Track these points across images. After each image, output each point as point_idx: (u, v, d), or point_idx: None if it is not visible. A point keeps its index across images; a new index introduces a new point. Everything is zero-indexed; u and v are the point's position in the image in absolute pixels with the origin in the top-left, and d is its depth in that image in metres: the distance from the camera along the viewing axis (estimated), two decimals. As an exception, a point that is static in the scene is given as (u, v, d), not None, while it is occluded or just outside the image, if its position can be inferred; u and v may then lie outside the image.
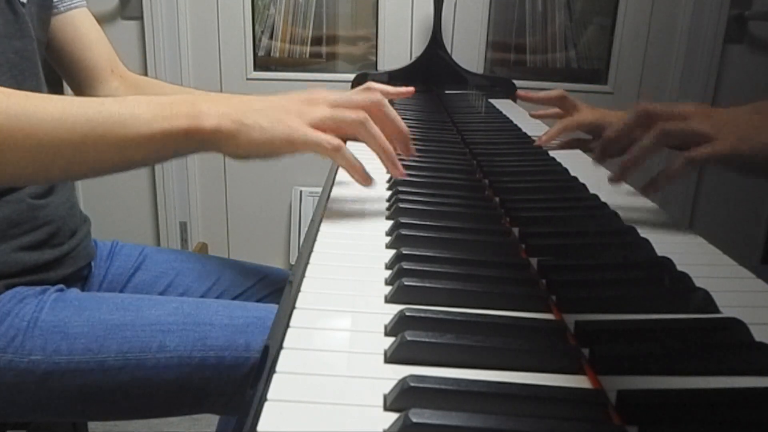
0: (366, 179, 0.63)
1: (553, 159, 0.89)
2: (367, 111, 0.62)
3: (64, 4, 0.88)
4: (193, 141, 0.58)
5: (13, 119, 0.53)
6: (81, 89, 0.94)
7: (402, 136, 0.66)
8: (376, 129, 0.61)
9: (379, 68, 1.96)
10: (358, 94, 0.64)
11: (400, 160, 0.66)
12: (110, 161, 0.58)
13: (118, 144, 0.56)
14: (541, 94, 1.07)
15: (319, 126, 0.59)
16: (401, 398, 0.34)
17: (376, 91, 0.65)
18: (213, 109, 0.58)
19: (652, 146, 0.63)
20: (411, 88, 0.86)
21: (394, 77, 1.60)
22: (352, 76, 1.59)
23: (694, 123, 0.64)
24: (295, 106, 0.60)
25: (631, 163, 0.65)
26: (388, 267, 0.52)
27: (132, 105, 0.57)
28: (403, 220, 0.59)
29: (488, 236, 0.59)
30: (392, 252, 0.53)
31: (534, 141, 1.02)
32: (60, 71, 0.92)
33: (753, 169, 0.63)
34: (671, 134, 0.63)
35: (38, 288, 0.74)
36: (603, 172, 0.87)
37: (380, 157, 0.63)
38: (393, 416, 0.33)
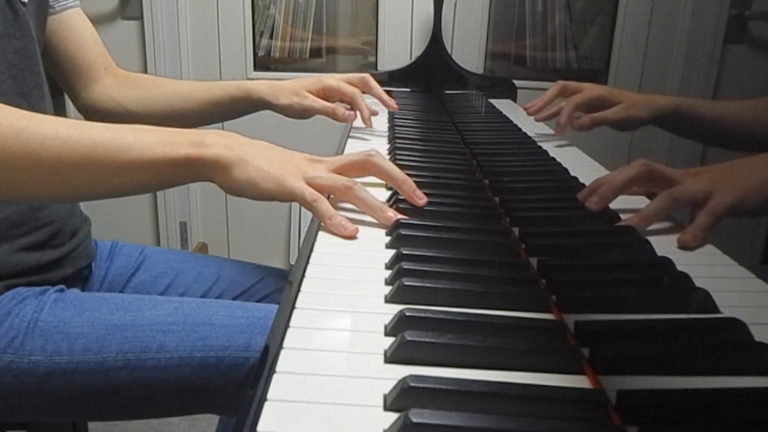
0: (343, 231, 0.60)
1: (553, 159, 0.89)
2: (364, 166, 0.65)
3: (60, 4, 0.88)
4: (193, 169, 0.59)
5: (13, 137, 0.54)
6: (74, 88, 0.94)
7: (405, 186, 0.65)
8: (365, 195, 0.62)
9: (379, 68, 1.96)
10: (354, 155, 0.66)
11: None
12: (111, 184, 0.59)
13: (120, 167, 0.57)
14: (545, 96, 1.08)
15: (315, 185, 0.61)
16: (401, 398, 0.34)
17: (370, 151, 0.66)
18: (217, 140, 0.60)
19: (661, 213, 0.65)
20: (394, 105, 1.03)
21: (394, 77, 1.60)
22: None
23: (697, 184, 0.65)
24: (296, 161, 0.63)
25: (639, 226, 0.65)
26: (388, 267, 0.52)
27: (137, 130, 0.59)
28: (403, 221, 0.59)
29: (488, 236, 0.59)
30: (392, 252, 0.53)
31: (536, 142, 1.02)
32: (52, 71, 0.92)
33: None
34: (679, 201, 0.65)
35: (38, 288, 0.74)
36: (602, 172, 0.87)
37: (376, 219, 0.63)
38: (393, 416, 0.33)
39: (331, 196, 0.64)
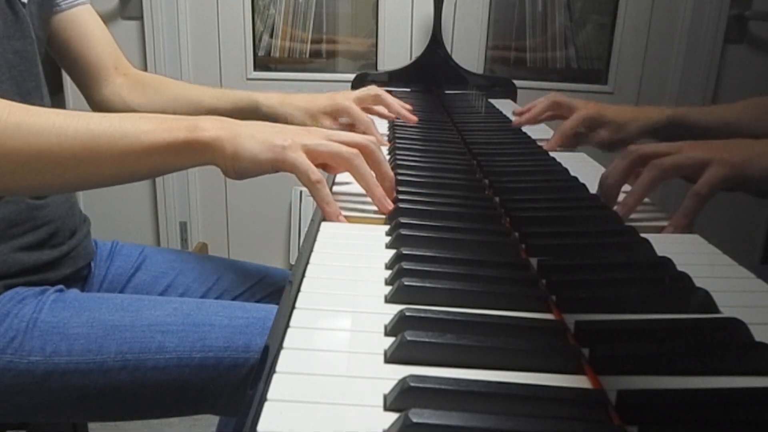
0: (337, 218, 0.62)
1: (553, 159, 0.89)
2: (360, 150, 0.63)
3: (66, 2, 0.88)
4: (191, 152, 0.59)
5: (12, 130, 0.54)
6: (86, 86, 0.94)
7: (388, 182, 0.66)
8: (366, 167, 0.63)
9: (379, 68, 1.96)
10: (355, 134, 0.67)
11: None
12: (109, 172, 0.59)
13: (118, 155, 0.58)
14: (536, 109, 1.07)
15: (312, 152, 0.61)
16: (401, 398, 0.34)
17: (371, 138, 0.67)
18: (212, 124, 0.60)
19: (650, 185, 0.65)
20: (414, 117, 1.01)
21: (394, 77, 1.60)
22: (352, 76, 1.59)
23: (686, 152, 0.65)
24: (292, 130, 0.63)
25: (632, 204, 0.67)
26: (388, 267, 0.52)
27: (134, 118, 0.59)
28: (403, 220, 0.59)
29: (488, 236, 0.59)
30: (392, 252, 0.53)
31: (535, 141, 1.02)
32: (65, 69, 0.93)
33: (759, 188, 0.64)
34: (667, 170, 0.65)
35: (37, 288, 0.74)
36: (602, 172, 0.87)
37: (368, 194, 0.64)
38: (393, 416, 0.33)
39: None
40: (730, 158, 0.63)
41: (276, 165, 0.60)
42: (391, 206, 0.64)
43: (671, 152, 0.66)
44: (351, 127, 0.97)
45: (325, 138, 0.63)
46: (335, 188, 0.73)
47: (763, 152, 0.64)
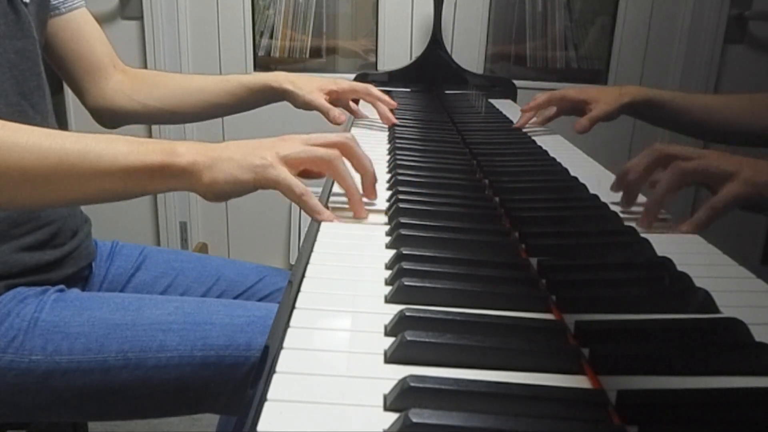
0: (334, 221, 0.63)
1: (554, 159, 0.89)
2: (339, 148, 0.64)
3: (66, 6, 0.88)
4: (167, 176, 0.59)
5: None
6: (83, 87, 0.94)
7: (368, 177, 0.67)
8: (344, 169, 0.63)
9: (379, 68, 1.96)
10: (331, 134, 0.67)
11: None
12: (82, 191, 0.59)
13: (92, 174, 0.58)
14: (531, 104, 1.10)
15: (292, 161, 0.61)
16: (401, 398, 0.34)
17: (348, 134, 0.68)
18: (189, 148, 0.60)
19: (672, 187, 0.64)
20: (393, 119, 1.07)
21: (394, 77, 1.60)
22: (352, 76, 1.58)
23: (712, 160, 0.64)
24: (268, 143, 0.62)
25: (655, 206, 0.66)
26: (388, 267, 0.52)
27: (110, 139, 0.59)
28: (403, 220, 0.59)
29: (488, 236, 0.59)
30: (392, 252, 0.53)
31: (535, 141, 1.02)
32: (59, 71, 0.92)
33: None
34: (689, 174, 0.64)
35: (39, 288, 0.74)
36: (602, 172, 0.87)
37: (347, 196, 0.65)
38: (393, 416, 0.33)
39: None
40: (753, 177, 0.62)
41: (257, 185, 0.60)
42: (363, 213, 0.64)
43: (695, 157, 0.65)
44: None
45: (303, 143, 0.63)
46: (335, 189, 0.73)
47: None
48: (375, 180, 0.67)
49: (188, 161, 0.59)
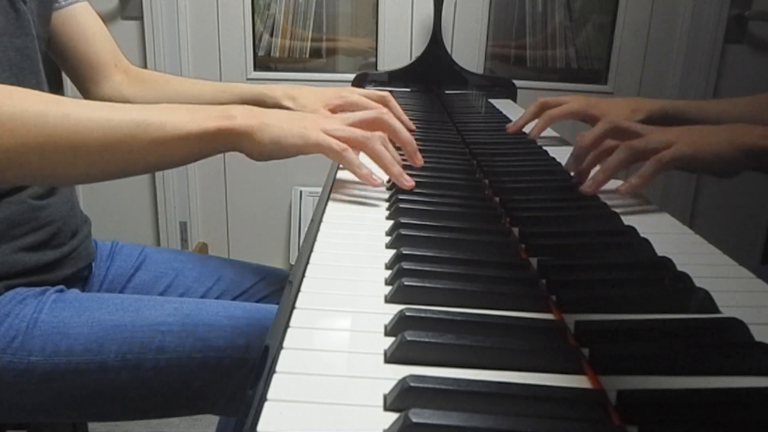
0: (371, 180, 0.68)
1: (554, 159, 0.89)
2: (376, 127, 0.70)
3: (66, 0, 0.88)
4: (224, 139, 0.63)
5: (60, 121, 0.56)
6: (84, 85, 0.94)
7: (409, 146, 0.74)
8: (380, 149, 0.67)
9: (379, 68, 1.96)
10: (365, 112, 0.74)
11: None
12: (150, 159, 0.62)
13: (159, 143, 0.60)
14: (524, 116, 1.05)
15: (332, 135, 0.65)
16: (401, 398, 0.34)
17: (382, 110, 0.75)
18: (242, 112, 0.64)
19: (621, 163, 0.70)
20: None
21: (394, 77, 1.60)
22: (352, 76, 1.58)
23: (656, 135, 0.71)
24: (312, 117, 0.69)
25: (603, 178, 0.71)
26: (388, 267, 0.52)
27: (171, 108, 0.63)
28: (403, 220, 0.59)
29: (488, 236, 0.59)
30: (392, 252, 0.53)
31: (535, 141, 1.02)
32: (63, 67, 0.92)
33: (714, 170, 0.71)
34: (639, 151, 0.69)
35: (38, 289, 0.74)
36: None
37: (387, 173, 0.69)
38: (393, 416, 0.33)
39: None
40: (693, 140, 0.70)
41: (301, 149, 0.64)
42: (409, 182, 0.68)
43: (644, 134, 0.72)
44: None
45: (341, 122, 0.68)
46: (335, 189, 0.73)
47: (718, 137, 0.70)
48: (415, 147, 0.74)
49: (242, 124, 0.63)
